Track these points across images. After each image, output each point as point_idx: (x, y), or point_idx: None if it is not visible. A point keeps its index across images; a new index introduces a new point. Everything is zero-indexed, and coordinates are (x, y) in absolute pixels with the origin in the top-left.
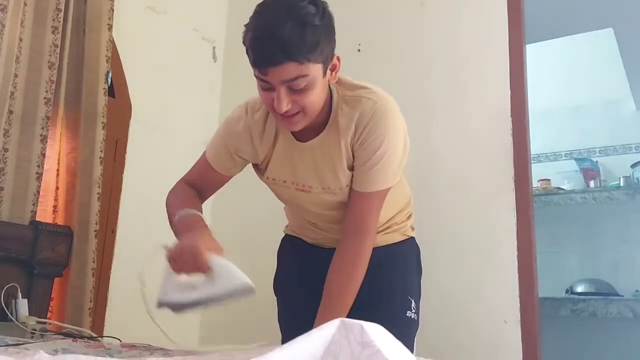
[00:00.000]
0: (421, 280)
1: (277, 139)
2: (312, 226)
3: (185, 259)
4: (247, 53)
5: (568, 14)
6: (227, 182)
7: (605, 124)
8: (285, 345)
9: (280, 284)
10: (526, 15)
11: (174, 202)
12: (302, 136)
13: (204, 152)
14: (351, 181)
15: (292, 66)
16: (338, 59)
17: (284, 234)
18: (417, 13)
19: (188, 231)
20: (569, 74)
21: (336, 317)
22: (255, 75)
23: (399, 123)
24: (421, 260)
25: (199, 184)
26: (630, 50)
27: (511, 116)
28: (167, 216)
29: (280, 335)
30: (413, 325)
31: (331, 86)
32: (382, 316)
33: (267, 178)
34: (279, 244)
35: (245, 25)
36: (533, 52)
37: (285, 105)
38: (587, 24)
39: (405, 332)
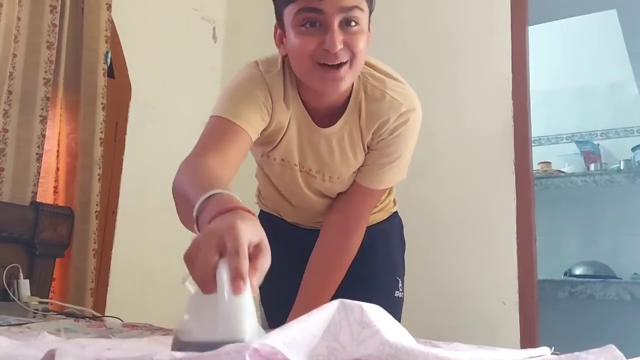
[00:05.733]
0: (405, 255)
1: (291, 116)
2: (293, 209)
3: (210, 244)
4: None
5: None
6: (248, 150)
7: (607, 106)
8: (286, 325)
9: None
10: None
11: (188, 185)
12: (318, 119)
13: (212, 119)
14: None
15: None
16: (369, 28)
17: (259, 210)
18: None
19: (223, 214)
20: (572, 56)
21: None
22: (301, 9)
23: (417, 132)
24: (404, 234)
25: (225, 151)
26: (634, 32)
27: (512, 98)
28: (175, 207)
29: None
30: (399, 304)
31: None
32: (371, 299)
33: (275, 159)
34: None
35: None
36: (536, 33)
37: (339, 43)
38: (590, 5)
39: (394, 312)
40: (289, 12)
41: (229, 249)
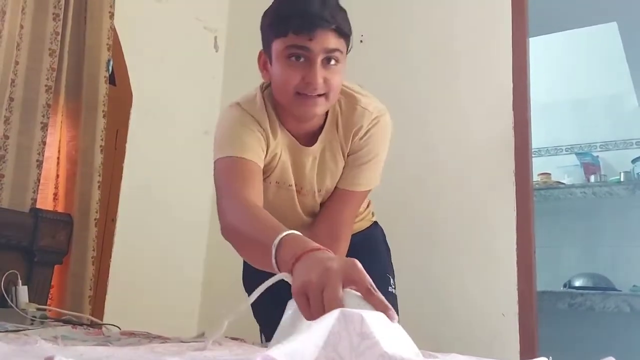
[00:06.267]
0: (391, 260)
1: (280, 142)
2: None
3: (337, 279)
4: (281, 22)
5: (571, 8)
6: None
7: (606, 118)
8: (290, 337)
9: (250, 281)
10: (530, 9)
11: (251, 226)
12: (301, 140)
13: (219, 161)
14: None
15: (334, 36)
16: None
17: None
18: (419, 5)
19: (308, 253)
20: (572, 68)
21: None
22: (290, 45)
23: (388, 135)
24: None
25: (251, 188)
26: (634, 44)
27: (513, 110)
28: (240, 257)
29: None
30: (395, 299)
31: None
32: None
33: (270, 182)
34: None
35: (275, 2)
36: (536, 45)
37: (321, 79)
38: (590, 17)
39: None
40: (279, 44)
41: (364, 287)
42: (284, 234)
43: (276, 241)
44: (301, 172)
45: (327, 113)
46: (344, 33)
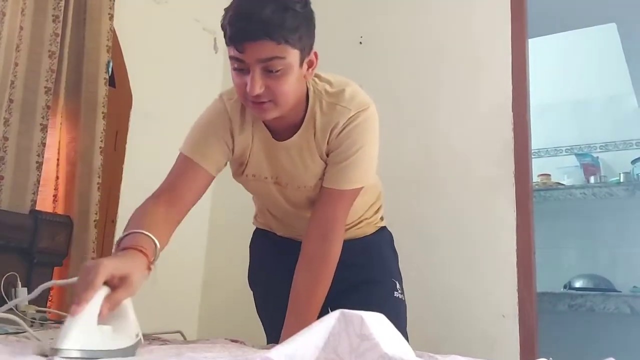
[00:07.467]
0: (399, 264)
1: (253, 134)
2: (279, 223)
3: (79, 281)
4: (225, 32)
5: (571, 9)
6: (209, 184)
7: (606, 119)
8: (291, 337)
9: (255, 277)
10: (529, 10)
11: (130, 222)
12: (278, 134)
13: (179, 154)
14: (322, 180)
15: (270, 45)
16: (316, 55)
17: (254, 228)
18: (419, 6)
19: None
20: (571, 69)
21: (305, 324)
22: (230, 56)
23: (373, 130)
24: (395, 245)
25: (179, 189)
26: (633, 45)
27: (512, 110)
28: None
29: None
30: (402, 305)
31: (308, 84)
32: (371, 299)
33: (247, 175)
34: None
35: (225, 9)
36: (535, 46)
37: (258, 88)
38: (589, 18)
39: (395, 312)
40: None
41: (85, 283)
42: (128, 232)
43: (122, 235)
44: (277, 165)
45: (306, 110)
46: (283, 41)
